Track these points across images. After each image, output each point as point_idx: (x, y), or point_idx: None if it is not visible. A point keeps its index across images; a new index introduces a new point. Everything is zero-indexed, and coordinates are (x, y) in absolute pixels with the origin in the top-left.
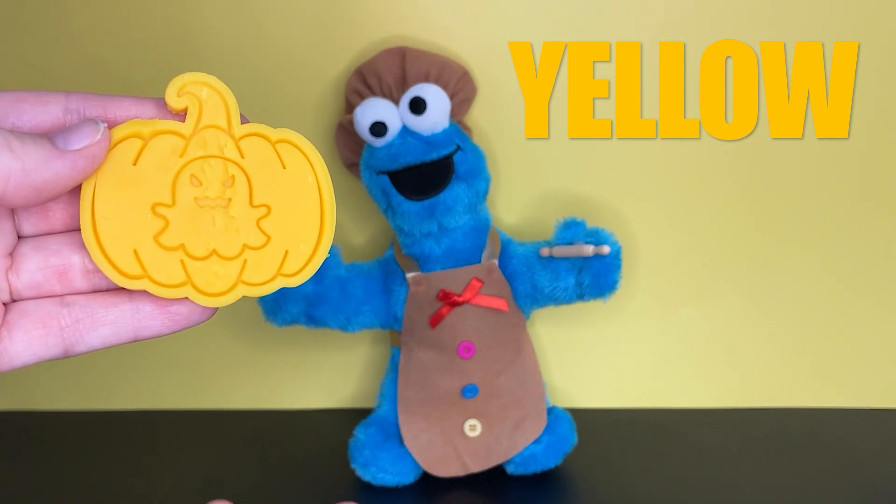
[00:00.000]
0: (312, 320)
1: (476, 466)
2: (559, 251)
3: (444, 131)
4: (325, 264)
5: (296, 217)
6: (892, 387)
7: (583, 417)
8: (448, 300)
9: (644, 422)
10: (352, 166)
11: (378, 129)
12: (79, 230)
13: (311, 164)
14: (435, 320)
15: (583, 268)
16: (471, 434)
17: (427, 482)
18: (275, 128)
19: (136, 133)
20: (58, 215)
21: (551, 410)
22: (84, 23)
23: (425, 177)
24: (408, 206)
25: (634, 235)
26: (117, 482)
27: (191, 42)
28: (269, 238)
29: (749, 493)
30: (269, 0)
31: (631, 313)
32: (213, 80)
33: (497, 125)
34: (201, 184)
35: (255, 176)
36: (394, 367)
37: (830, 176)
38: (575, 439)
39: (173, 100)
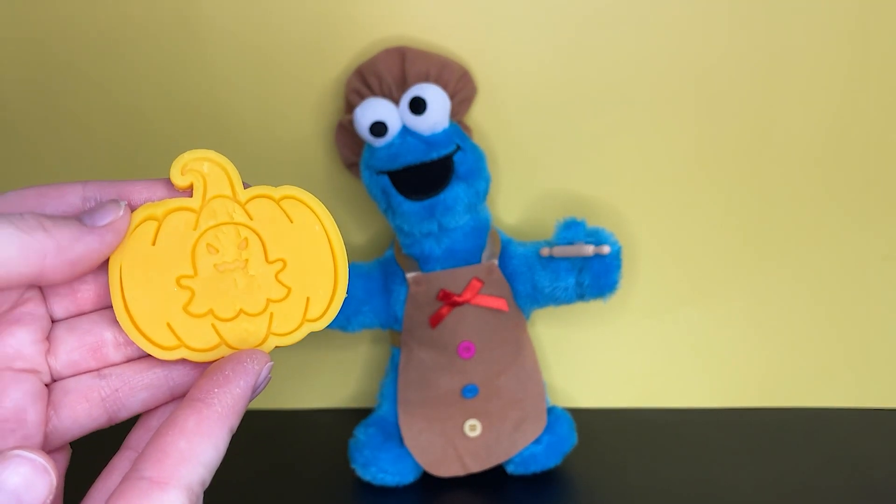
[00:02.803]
0: None
1: (476, 466)
2: (559, 251)
3: (445, 131)
4: None
5: (311, 265)
6: (892, 387)
7: (583, 417)
8: (448, 300)
9: (644, 422)
10: (352, 166)
11: (378, 128)
12: (106, 308)
13: (315, 214)
14: (435, 320)
15: (583, 268)
16: (471, 434)
17: (427, 482)
18: (276, 186)
19: (150, 216)
20: (86, 297)
21: (551, 410)
22: (84, 26)
23: (425, 177)
24: (408, 206)
25: (634, 235)
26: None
27: (191, 42)
28: (289, 289)
29: (749, 493)
30: (269, 1)
31: (631, 313)
32: (211, 154)
33: (497, 125)
34: (218, 251)
35: (267, 234)
36: (394, 367)
37: (830, 176)
38: (575, 439)
39: (178, 179)
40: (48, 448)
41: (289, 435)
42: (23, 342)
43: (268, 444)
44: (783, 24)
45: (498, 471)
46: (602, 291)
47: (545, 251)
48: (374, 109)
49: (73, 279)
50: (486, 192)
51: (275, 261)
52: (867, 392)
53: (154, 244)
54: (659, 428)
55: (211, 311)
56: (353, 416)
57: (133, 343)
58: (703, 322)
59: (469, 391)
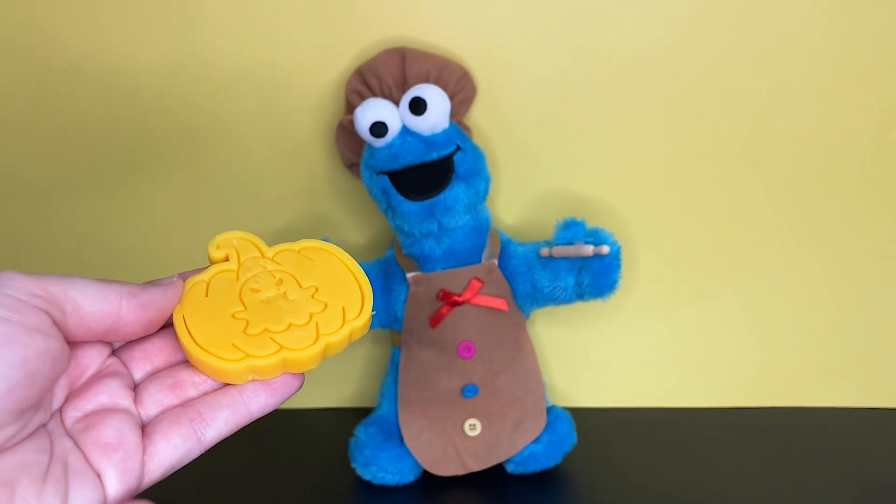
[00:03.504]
0: None
1: (476, 466)
2: (559, 251)
3: (444, 131)
4: None
5: (338, 284)
6: (891, 386)
7: (582, 417)
8: (448, 300)
9: (643, 421)
10: (352, 166)
11: (378, 129)
12: (178, 362)
13: (330, 252)
14: (435, 320)
15: (582, 268)
16: (471, 433)
17: (427, 481)
18: (295, 240)
19: (199, 281)
20: (159, 358)
21: (551, 410)
22: (85, 35)
23: (425, 177)
24: (408, 206)
25: (634, 235)
26: None
27: (193, 43)
28: (325, 304)
29: (748, 492)
30: (269, 1)
31: (630, 313)
32: (238, 233)
33: (497, 125)
34: (259, 290)
35: (295, 272)
36: (394, 366)
37: (830, 176)
38: (574, 438)
39: (215, 253)
40: (150, 477)
41: (289, 434)
42: (113, 389)
43: (268, 444)
44: (782, 25)
45: (498, 470)
46: (601, 291)
47: (545, 251)
48: (374, 110)
49: (145, 327)
50: (485, 193)
51: (308, 287)
52: (866, 391)
53: (207, 296)
54: (658, 427)
55: (266, 329)
56: (354, 416)
57: (207, 379)
58: (702, 322)
59: (469, 391)
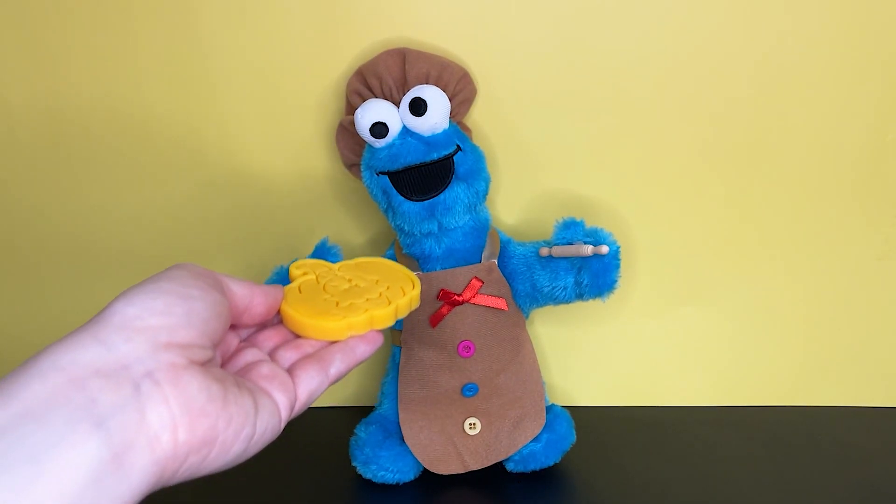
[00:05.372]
0: None
1: (476, 464)
2: (558, 251)
3: (445, 132)
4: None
5: (391, 274)
6: (890, 385)
7: (582, 415)
8: (448, 299)
9: (643, 420)
10: (352, 167)
11: (378, 129)
12: (290, 340)
13: (376, 259)
14: (435, 319)
15: (582, 267)
16: (470, 432)
17: (427, 480)
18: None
19: (292, 287)
20: (274, 340)
21: (550, 409)
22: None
23: (425, 177)
24: (408, 206)
25: (633, 235)
26: None
27: (194, 44)
28: (388, 285)
29: (747, 491)
30: (270, 2)
31: (630, 312)
32: (310, 260)
33: (497, 125)
34: (337, 285)
35: (357, 273)
36: (394, 365)
37: (827, 177)
38: (574, 437)
39: (296, 271)
40: (300, 401)
41: (290, 433)
42: (255, 353)
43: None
44: (782, 26)
45: (497, 468)
46: (601, 291)
47: (544, 251)
48: (374, 110)
49: (266, 311)
50: (485, 193)
51: (371, 279)
52: (865, 391)
53: (301, 293)
54: (657, 426)
55: (352, 303)
56: (354, 414)
57: (318, 343)
58: (701, 321)
59: (469, 389)
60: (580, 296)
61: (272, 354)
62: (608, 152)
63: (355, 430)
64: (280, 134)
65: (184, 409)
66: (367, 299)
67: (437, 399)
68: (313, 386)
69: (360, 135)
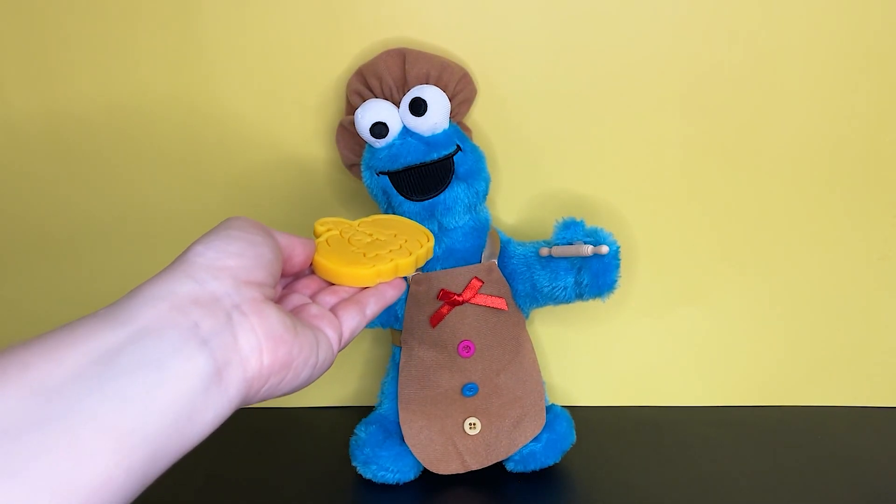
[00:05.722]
0: None
1: (476, 464)
2: (558, 251)
3: (445, 132)
4: None
5: (407, 229)
6: (889, 385)
7: (581, 415)
8: (448, 299)
9: (642, 420)
10: (352, 167)
11: (379, 129)
12: (325, 287)
13: (391, 216)
14: (435, 319)
15: (582, 267)
16: (470, 432)
17: (427, 480)
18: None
19: (321, 240)
20: (310, 288)
21: (550, 408)
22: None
23: (425, 177)
24: (408, 206)
25: (633, 235)
26: None
27: (194, 44)
28: (406, 238)
29: (746, 490)
30: (271, 2)
31: (629, 312)
32: (332, 218)
33: (497, 125)
34: (360, 239)
35: (377, 229)
36: (394, 365)
37: (828, 177)
38: (574, 437)
39: (320, 227)
40: (343, 338)
41: (290, 433)
42: (299, 298)
43: (269, 442)
44: (780, 26)
45: (497, 468)
46: (601, 291)
47: (544, 251)
48: (374, 110)
49: (304, 260)
50: (485, 193)
51: (389, 233)
52: (864, 391)
53: (329, 245)
54: (657, 426)
55: (377, 253)
56: (354, 414)
57: (351, 289)
58: (701, 321)
59: (469, 389)
60: (580, 296)
61: (312, 299)
62: (608, 152)
63: (355, 430)
64: (280, 134)
65: (266, 336)
66: (390, 250)
67: (437, 399)
68: (354, 324)
69: (360, 135)
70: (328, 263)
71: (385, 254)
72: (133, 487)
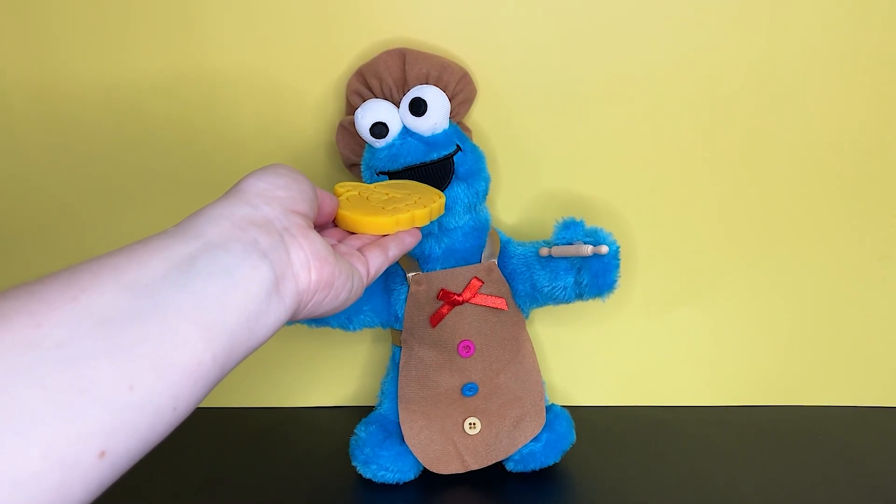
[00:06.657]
0: (314, 320)
1: (476, 464)
2: (558, 251)
3: (445, 132)
4: None
5: (419, 189)
6: (888, 385)
7: (581, 415)
8: (448, 299)
9: (642, 420)
10: (352, 167)
11: (379, 129)
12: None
13: (403, 180)
14: (435, 319)
15: (581, 267)
16: (470, 432)
17: (427, 479)
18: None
19: (343, 197)
20: (335, 236)
21: (550, 408)
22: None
23: (425, 177)
24: None
25: (633, 235)
26: (118, 479)
27: (194, 46)
28: (420, 196)
29: (746, 490)
30: (271, 2)
31: (629, 312)
32: (349, 182)
33: (497, 125)
34: (377, 197)
35: (392, 189)
36: (394, 365)
37: (827, 177)
38: (574, 437)
39: (339, 189)
40: (369, 275)
41: (290, 432)
42: (331, 242)
43: (269, 442)
44: (781, 27)
45: (497, 468)
46: (600, 291)
47: (544, 251)
48: (374, 111)
49: (330, 212)
50: (485, 193)
51: (403, 192)
52: (864, 390)
53: (349, 202)
54: (657, 426)
55: (395, 207)
56: (355, 414)
57: (373, 236)
58: (701, 321)
59: (469, 389)
60: (580, 296)
61: (340, 243)
62: (608, 152)
63: (355, 430)
64: (280, 134)
65: (314, 255)
66: (406, 204)
67: (437, 399)
68: (378, 262)
69: (360, 135)
70: (351, 214)
71: (402, 206)
72: (216, 374)
